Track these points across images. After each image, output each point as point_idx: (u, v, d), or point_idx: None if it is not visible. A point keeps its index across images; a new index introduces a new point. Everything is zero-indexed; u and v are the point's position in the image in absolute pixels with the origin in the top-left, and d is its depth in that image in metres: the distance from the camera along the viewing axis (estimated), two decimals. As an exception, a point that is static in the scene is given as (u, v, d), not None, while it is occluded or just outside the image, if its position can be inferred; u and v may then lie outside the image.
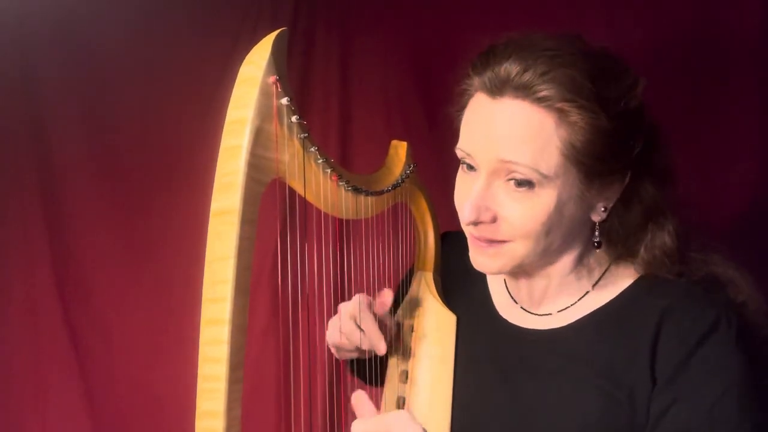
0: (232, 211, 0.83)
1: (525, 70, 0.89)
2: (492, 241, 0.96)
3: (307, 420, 0.98)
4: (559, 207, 0.92)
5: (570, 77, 0.88)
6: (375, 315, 1.08)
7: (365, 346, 1.08)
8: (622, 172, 0.96)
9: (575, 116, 0.88)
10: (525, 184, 0.91)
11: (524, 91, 0.89)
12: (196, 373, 0.85)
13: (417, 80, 1.64)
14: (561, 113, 0.89)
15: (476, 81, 0.94)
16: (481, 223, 0.94)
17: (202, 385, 0.85)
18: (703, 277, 0.98)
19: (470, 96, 0.97)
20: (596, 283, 1.02)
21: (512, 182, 0.92)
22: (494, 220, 0.94)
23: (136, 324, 1.75)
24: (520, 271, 1.03)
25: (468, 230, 0.98)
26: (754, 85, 1.42)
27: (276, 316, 1.64)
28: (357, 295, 1.09)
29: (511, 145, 0.90)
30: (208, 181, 0.86)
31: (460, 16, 1.58)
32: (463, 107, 0.98)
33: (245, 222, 0.84)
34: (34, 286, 1.76)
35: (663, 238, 0.98)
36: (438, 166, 1.47)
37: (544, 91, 0.88)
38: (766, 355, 0.96)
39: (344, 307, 1.10)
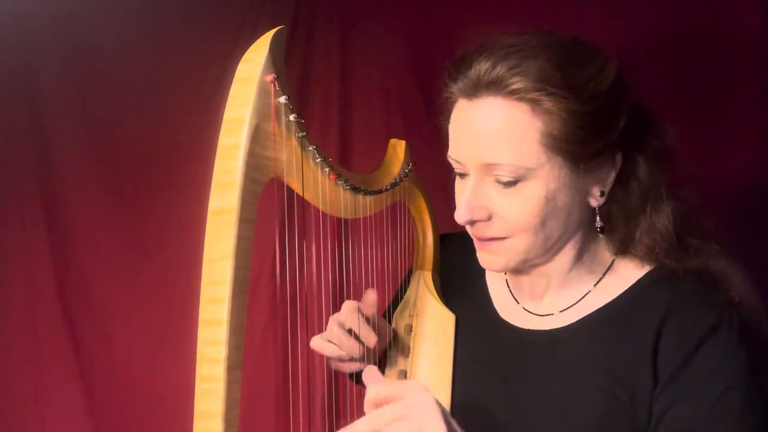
0: (230, 211, 0.83)
1: (494, 67, 0.92)
2: (492, 239, 0.97)
3: (306, 420, 0.97)
4: (550, 197, 0.94)
5: (538, 68, 0.91)
6: (365, 317, 1.08)
7: (356, 353, 1.08)
8: (609, 154, 0.97)
9: (548, 104, 0.91)
10: (510, 184, 0.93)
11: (496, 86, 0.92)
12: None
13: (417, 79, 1.63)
14: (534, 103, 0.91)
15: (454, 88, 0.97)
16: (477, 221, 0.97)
17: (200, 386, 0.84)
18: (700, 272, 0.98)
19: (453, 103, 0.99)
20: (598, 282, 1.03)
21: (500, 183, 0.94)
22: (490, 217, 0.96)
23: (136, 324, 1.74)
24: (524, 268, 1.04)
25: (468, 231, 1.00)
26: (755, 84, 1.42)
27: (275, 315, 1.64)
28: (345, 303, 1.10)
29: (491, 146, 0.93)
30: (209, 181, 0.85)
31: (461, 15, 1.57)
32: (449, 116, 1.00)
33: (243, 221, 0.83)
34: (34, 286, 1.76)
35: (662, 220, 0.99)
36: (437, 165, 1.47)
37: (515, 84, 0.91)
38: (763, 354, 0.96)
39: (333, 318, 1.11)
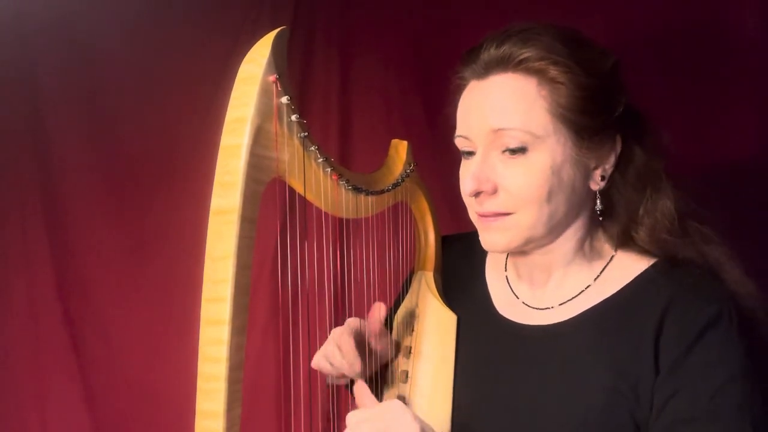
0: (231, 211, 0.83)
1: (503, 44, 0.97)
2: (497, 215, 0.99)
3: (307, 420, 0.97)
4: (555, 169, 0.96)
5: (543, 42, 0.96)
6: (359, 335, 1.09)
7: (347, 370, 1.09)
8: (609, 134, 1.00)
9: (554, 72, 0.95)
10: (518, 151, 0.96)
11: (505, 62, 0.97)
12: (196, 373, 0.85)
13: (417, 80, 1.64)
14: (540, 73, 0.95)
15: (466, 72, 1.01)
16: (482, 193, 0.98)
17: (201, 385, 0.84)
18: (700, 266, 0.99)
19: (464, 88, 1.02)
20: (597, 276, 1.03)
21: (507, 152, 0.97)
22: (495, 191, 0.98)
23: (136, 324, 1.75)
24: (526, 250, 1.04)
25: (472, 208, 1.01)
26: (755, 83, 1.42)
27: (276, 315, 1.64)
28: (348, 320, 1.11)
29: (499, 113, 0.96)
30: (209, 181, 0.85)
31: (460, 16, 1.58)
32: (458, 101, 1.03)
33: (245, 221, 0.84)
34: (34, 286, 1.76)
35: (663, 199, 1.01)
36: (438, 165, 1.47)
37: (522, 55, 0.95)
38: (762, 345, 0.97)
39: (333, 333, 1.11)
